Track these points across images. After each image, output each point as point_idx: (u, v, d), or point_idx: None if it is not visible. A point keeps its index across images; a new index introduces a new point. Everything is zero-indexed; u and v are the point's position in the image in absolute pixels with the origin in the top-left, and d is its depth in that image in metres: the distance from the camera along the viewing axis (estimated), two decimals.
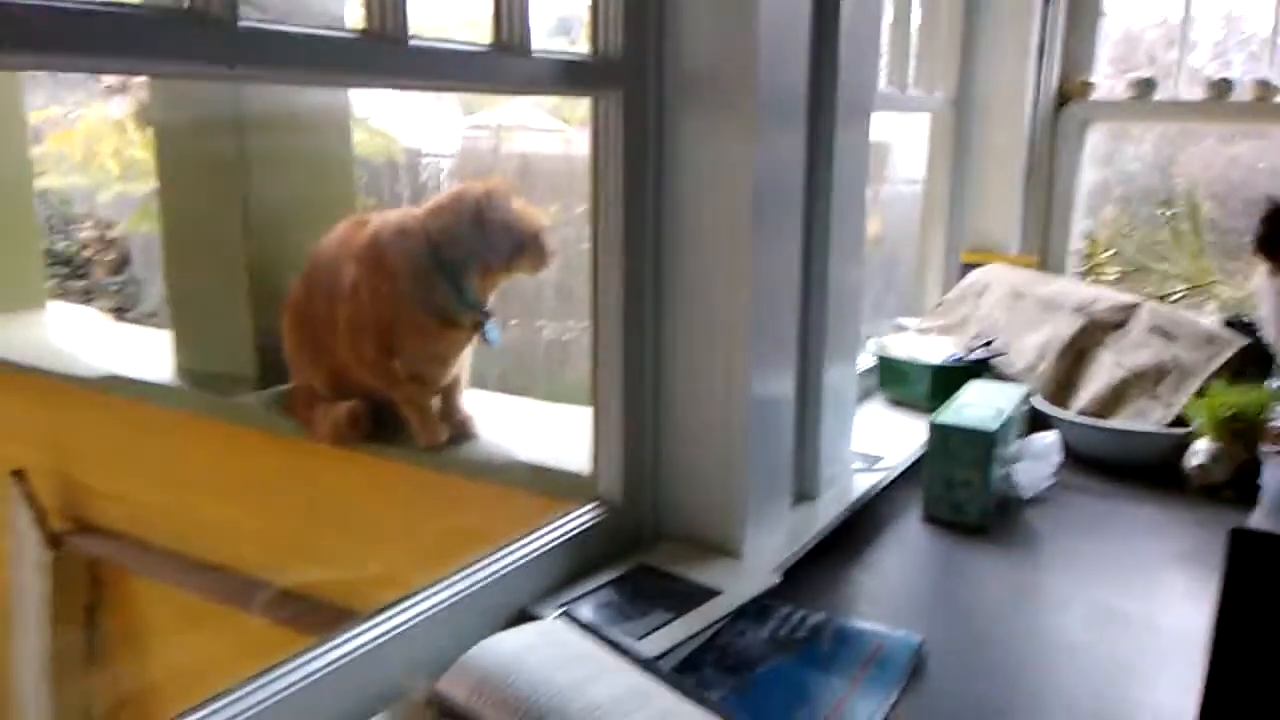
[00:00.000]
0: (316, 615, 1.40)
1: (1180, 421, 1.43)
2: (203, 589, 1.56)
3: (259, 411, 1.54)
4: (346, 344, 1.39)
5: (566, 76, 0.96)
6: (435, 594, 0.87)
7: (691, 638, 0.91)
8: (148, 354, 1.77)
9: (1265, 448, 1.45)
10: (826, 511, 1.19)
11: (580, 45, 1.02)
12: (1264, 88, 1.91)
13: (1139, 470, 1.43)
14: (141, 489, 1.72)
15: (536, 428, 1.50)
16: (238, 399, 1.57)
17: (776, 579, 1.02)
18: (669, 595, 0.98)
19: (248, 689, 0.73)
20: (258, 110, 1.54)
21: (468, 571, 0.91)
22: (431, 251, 1.35)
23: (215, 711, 0.71)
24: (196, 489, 1.63)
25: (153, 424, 1.66)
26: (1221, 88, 1.95)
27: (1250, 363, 1.49)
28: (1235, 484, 1.34)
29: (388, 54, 0.77)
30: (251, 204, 1.55)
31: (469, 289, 1.38)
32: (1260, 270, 1.48)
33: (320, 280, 1.43)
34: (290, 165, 1.62)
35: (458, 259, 1.36)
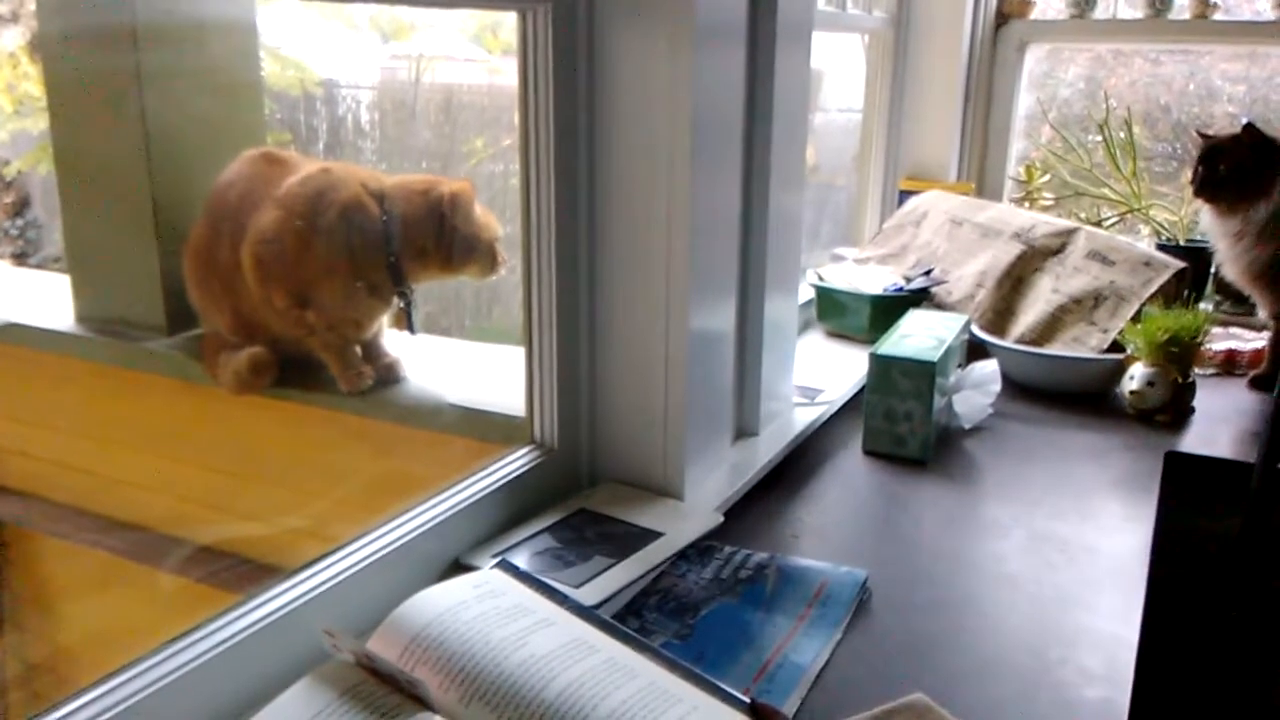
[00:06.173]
0: (238, 572, 1.34)
1: (1116, 347, 1.44)
2: (115, 548, 1.49)
3: (170, 358, 1.46)
4: (256, 288, 1.32)
5: None
6: (364, 546, 0.83)
7: (633, 582, 0.89)
8: (52, 300, 1.66)
9: (1199, 371, 1.46)
10: (768, 448, 1.17)
11: None
12: (1203, 4, 1.90)
13: (1076, 396, 1.44)
14: (46, 443, 1.63)
15: (467, 369, 1.45)
16: (145, 345, 1.48)
17: (719, 519, 1.00)
18: (609, 539, 0.95)
19: (166, 653, 0.68)
20: (154, 28, 1.43)
21: (398, 522, 0.87)
22: (383, 226, 1.32)
23: (131, 679, 0.66)
24: (106, 442, 1.54)
25: (57, 374, 1.57)
26: (1160, 4, 1.94)
27: (1185, 287, 1.50)
28: (1170, 408, 1.35)
29: None
30: (153, 135, 1.44)
31: (405, 270, 1.36)
32: (1206, 213, 1.48)
33: (226, 217, 1.35)
34: (193, 92, 1.51)
35: (405, 242, 1.34)
